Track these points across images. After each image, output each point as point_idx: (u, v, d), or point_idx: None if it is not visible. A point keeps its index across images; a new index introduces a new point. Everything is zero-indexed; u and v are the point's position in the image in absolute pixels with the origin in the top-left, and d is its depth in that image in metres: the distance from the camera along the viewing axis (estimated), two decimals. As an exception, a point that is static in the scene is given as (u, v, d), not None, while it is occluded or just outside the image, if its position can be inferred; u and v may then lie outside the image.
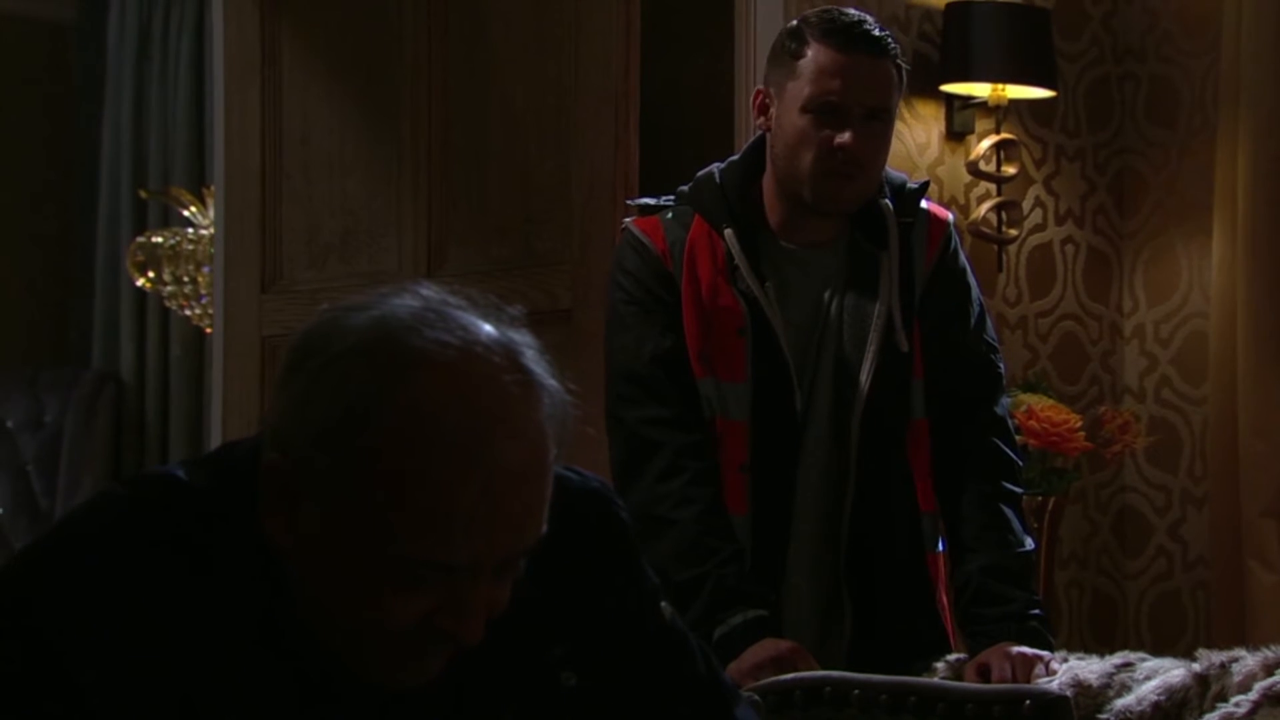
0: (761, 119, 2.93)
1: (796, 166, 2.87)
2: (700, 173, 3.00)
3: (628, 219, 3.02)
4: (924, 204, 2.99)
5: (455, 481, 1.44)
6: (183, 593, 1.49)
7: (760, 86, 2.94)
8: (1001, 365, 3.02)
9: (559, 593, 1.63)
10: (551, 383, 1.51)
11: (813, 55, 2.84)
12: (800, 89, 2.85)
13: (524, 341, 1.53)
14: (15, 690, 1.45)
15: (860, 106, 2.83)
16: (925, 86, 4.46)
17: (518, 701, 1.61)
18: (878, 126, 2.86)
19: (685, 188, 3.00)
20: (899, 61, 2.88)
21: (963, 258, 3.02)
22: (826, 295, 2.93)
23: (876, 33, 2.86)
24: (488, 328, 1.51)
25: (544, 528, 1.50)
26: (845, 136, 2.82)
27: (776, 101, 2.89)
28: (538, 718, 1.61)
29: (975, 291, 3.01)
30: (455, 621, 1.48)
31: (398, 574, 1.46)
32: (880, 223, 2.94)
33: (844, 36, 2.84)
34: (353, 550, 1.47)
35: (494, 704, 1.60)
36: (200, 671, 1.48)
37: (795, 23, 2.93)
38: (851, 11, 2.90)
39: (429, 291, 1.52)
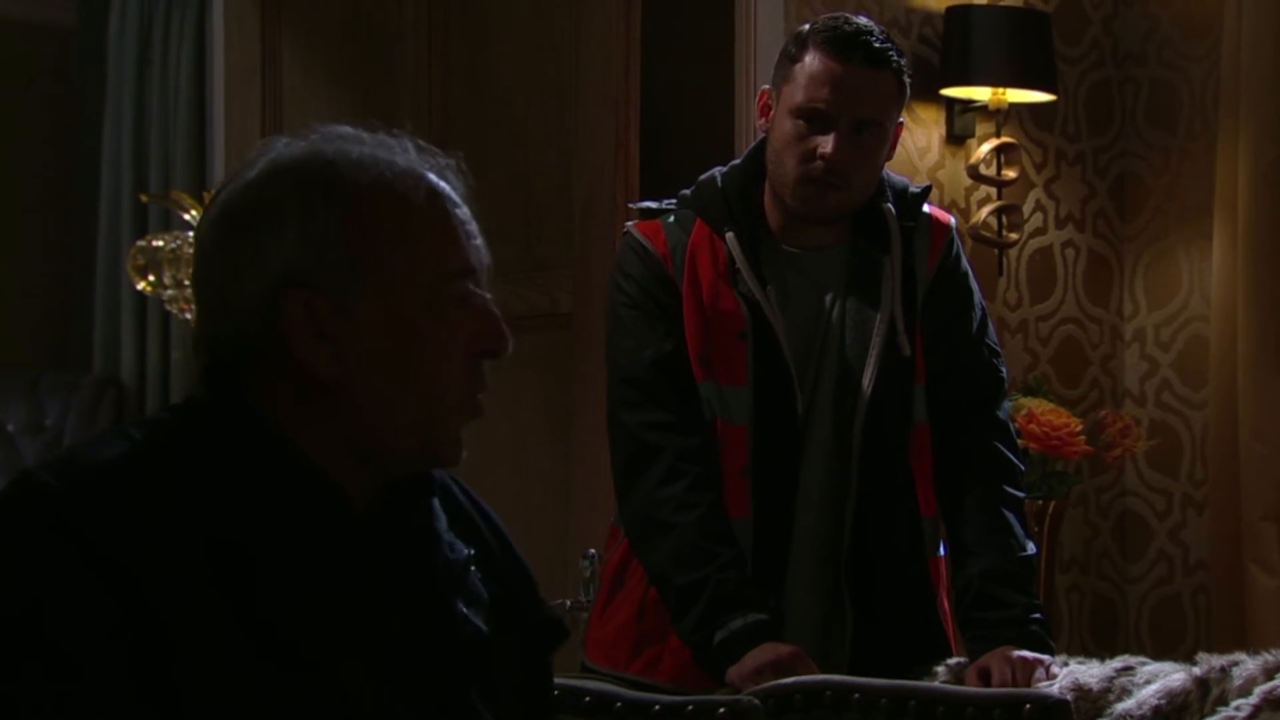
0: (763, 120, 2.93)
1: (782, 171, 2.88)
2: (702, 176, 3.00)
3: (629, 222, 3.02)
4: (926, 208, 2.99)
5: (432, 207, 1.71)
6: (197, 469, 1.62)
7: (765, 87, 2.95)
8: (1003, 369, 3.02)
9: (460, 516, 1.83)
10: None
11: (809, 61, 2.84)
12: (793, 94, 2.85)
13: None
14: (74, 597, 1.51)
15: (848, 117, 2.82)
16: (925, 90, 4.46)
17: (459, 586, 1.75)
18: (866, 139, 2.84)
19: (687, 191, 2.99)
20: (901, 75, 2.87)
21: (965, 262, 3.02)
22: (828, 299, 2.93)
23: (877, 44, 2.84)
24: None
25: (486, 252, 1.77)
26: (827, 146, 2.82)
27: (775, 104, 2.89)
28: (471, 602, 1.76)
29: (977, 296, 3.01)
30: (493, 335, 1.71)
31: (443, 302, 1.68)
32: (882, 227, 2.93)
33: (842, 45, 2.83)
34: (404, 315, 1.66)
35: (447, 589, 1.74)
36: (233, 531, 1.59)
37: (803, 27, 2.93)
38: (860, 20, 2.89)
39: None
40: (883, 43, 2.85)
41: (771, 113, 2.90)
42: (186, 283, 6.03)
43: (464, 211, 1.75)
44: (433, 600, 1.71)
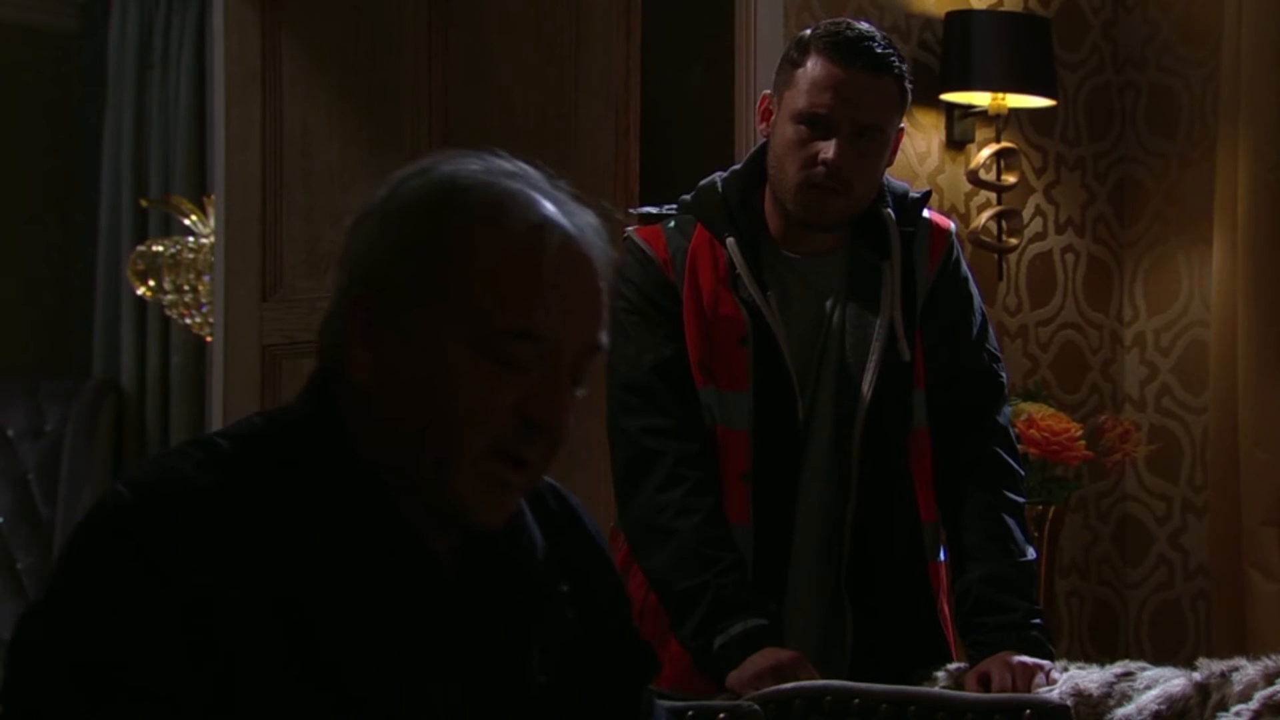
0: (764, 125, 2.93)
1: (783, 176, 2.88)
2: (702, 181, 3.00)
3: (629, 228, 3.02)
4: (926, 213, 2.99)
5: (533, 252, 1.60)
6: (270, 505, 1.58)
7: (767, 92, 2.95)
8: (1003, 374, 3.02)
9: (558, 541, 1.76)
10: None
11: (810, 66, 2.84)
12: (794, 99, 2.85)
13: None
14: (138, 611, 1.51)
15: (850, 122, 2.82)
16: (926, 95, 4.46)
17: (540, 629, 1.70)
18: (867, 144, 2.85)
19: (687, 196, 2.99)
20: (903, 80, 2.87)
21: (965, 267, 3.02)
22: (828, 304, 2.93)
23: (879, 50, 2.84)
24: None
25: (606, 335, 1.65)
26: (829, 151, 2.82)
27: (776, 109, 2.89)
28: (551, 647, 1.71)
29: (977, 301, 3.01)
30: (544, 408, 1.60)
31: (491, 355, 1.59)
32: (882, 232, 2.93)
33: (844, 50, 2.83)
34: (447, 346, 1.59)
35: (522, 630, 1.69)
36: (303, 575, 1.56)
37: (805, 32, 2.93)
38: (861, 25, 2.89)
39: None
40: (885, 48, 2.86)
41: (773, 118, 2.90)
42: (186, 287, 6.03)
43: (584, 279, 1.63)
44: (504, 648, 1.67)
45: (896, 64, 2.86)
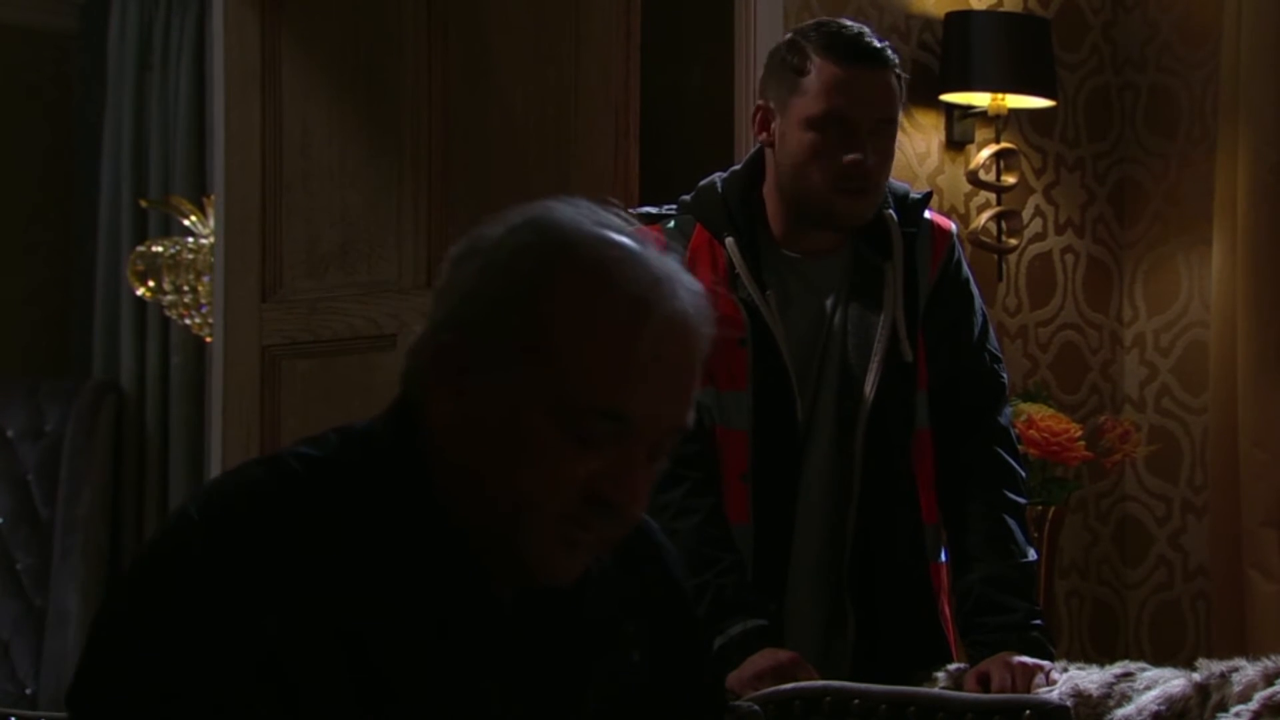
0: (763, 134, 2.91)
1: (805, 183, 2.86)
2: (702, 182, 3.00)
3: (629, 227, 3.01)
4: (927, 214, 2.99)
5: (633, 328, 1.55)
6: (342, 539, 1.56)
7: (760, 102, 2.93)
8: (1004, 375, 3.02)
9: (632, 578, 1.72)
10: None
11: (817, 71, 2.84)
12: (807, 105, 2.84)
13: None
14: (202, 636, 1.51)
15: (869, 120, 2.84)
16: (925, 96, 4.46)
17: (599, 668, 1.68)
18: (885, 140, 2.87)
19: (687, 197, 2.99)
20: (899, 71, 2.89)
21: (966, 268, 3.02)
22: (829, 305, 2.93)
23: (876, 44, 2.87)
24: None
25: (693, 414, 1.60)
26: (857, 155, 2.82)
27: (779, 117, 2.88)
28: (610, 687, 1.68)
29: (978, 302, 3.01)
30: (617, 488, 1.57)
31: (570, 428, 1.55)
32: (883, 233, 2.93)
33: (847, 50, 2.83)
34: (527, 410, 1.55)
35: (581, 669, 1.67)
36: (371, 612, 1.55)
37: (792, 36, 2.92)
38: (849, 23, 2.91)
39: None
40: (880, 42, 2.88)
41: (774, 126, 2.89)
42: (186, 288, 6.03)
43: (680, 361, 1.58)
44: (561, 685, 1.64)
45: (893, 56, 2.88)
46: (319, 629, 1.53)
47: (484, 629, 1.60)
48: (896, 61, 2.88)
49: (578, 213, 1.61)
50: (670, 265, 1.60)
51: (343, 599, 1.54)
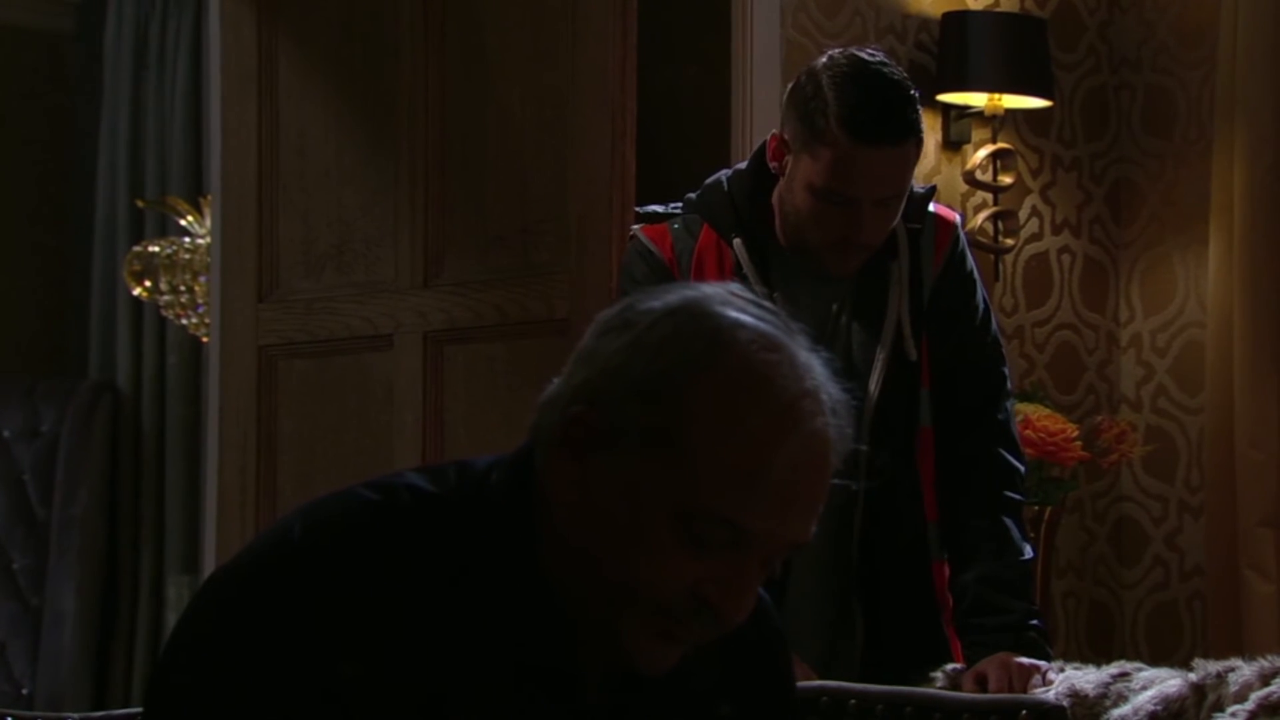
0: (775, 164, 2.86)
1: (803, 235, 2.84)
2: (708, 180, 2.98)
3: (635, 226, 3.00)
4: (931, 207, 2.97)
5: (773, 443, 1.50)
6: (436, 591, 1.53)
7: (776, 131, 2.86)
8: (1006, 370, 3.01)
9: (728, 657, 1.67)
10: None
11: (832, 142, 2.75)
12: (815, 172, 2.77)
13: None
14: (277, 680, 1.49)
15: (873, 198, 2.78)
16: (922, 96, 4.45)
17: None
18: (889, 210, 2.81)
19: (693, 195, 2.98)
20: (921, 132, 2.81)
21: (970, 260, 2.99)
22: (835, 305, 2.92)
23: (901, 119, 2.76)
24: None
25: (814, 528, 1.55)
26: (858, 229, 2.78)
27: (791, 158, 2.83)
28: None
29: (981, 294, 2.99)
30: (724, 595, 1.52)
31: (688, 529, 1.50)
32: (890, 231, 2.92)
33: (866, 128, 2.73)
34: (648, 502, 1.50)
35: None
36: (452, 671, 1.52)
37: (819, 75, 2.79)
38: (878, 74, 2.78)
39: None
40: (904, 103, 2.78)
41: (787, 160, 2.83)
42: (183, 288, 6.03)
43: (815, 479, 1.53)
44: None
45: (915, 120, 2.78)
46: (397, 682, 1.50)
47: (567, 709, 1.57)
48: (918, 127, 2.78)
49: (735, 310, 1.55)
50: (818, 374, 1.54)
51: (427, 657, 1.51)
